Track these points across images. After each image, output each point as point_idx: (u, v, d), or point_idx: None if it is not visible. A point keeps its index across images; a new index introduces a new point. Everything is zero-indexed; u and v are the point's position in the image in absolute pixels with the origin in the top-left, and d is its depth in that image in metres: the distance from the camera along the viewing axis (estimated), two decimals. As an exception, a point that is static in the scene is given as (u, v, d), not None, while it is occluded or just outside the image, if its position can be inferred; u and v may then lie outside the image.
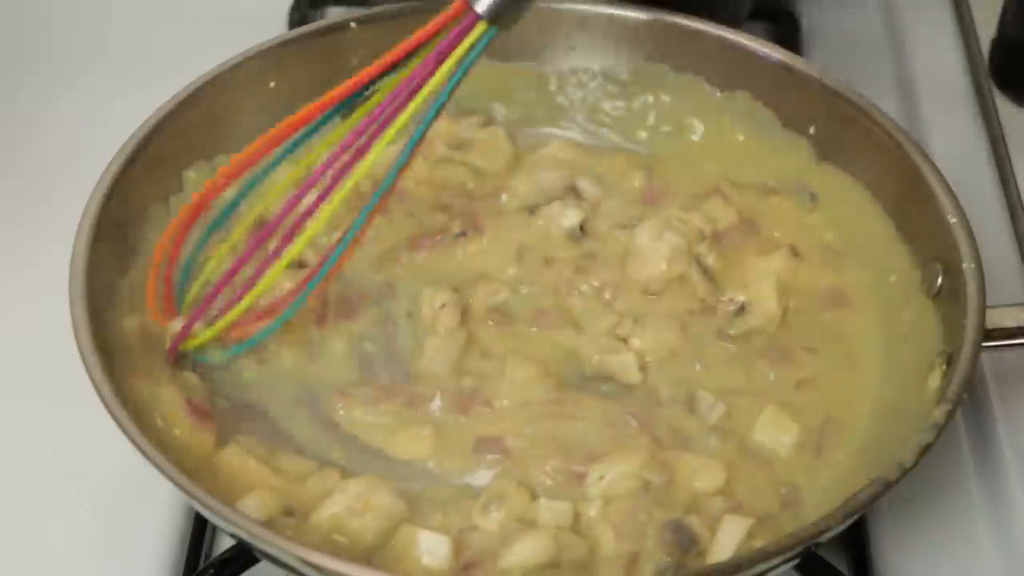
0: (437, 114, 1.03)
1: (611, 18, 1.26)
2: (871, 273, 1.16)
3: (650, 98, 1.27)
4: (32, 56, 1.47)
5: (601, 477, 1.02)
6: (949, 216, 1.09)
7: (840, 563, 1.05)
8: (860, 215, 1.17)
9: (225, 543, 1.08)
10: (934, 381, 1.03)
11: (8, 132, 1.39)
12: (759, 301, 1.14)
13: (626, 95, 1.28)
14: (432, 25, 1.02)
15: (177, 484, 0.93)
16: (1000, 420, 1.15)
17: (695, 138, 1.26)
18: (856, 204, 1.18)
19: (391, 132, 1.02)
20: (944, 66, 1.45)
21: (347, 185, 1.02)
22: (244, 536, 0.93)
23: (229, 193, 1.08)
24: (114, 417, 0.96)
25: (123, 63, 1.45)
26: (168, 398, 1.04)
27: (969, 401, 1.16)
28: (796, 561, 0.97)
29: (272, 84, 1.22)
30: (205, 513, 0.95)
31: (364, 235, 1.05)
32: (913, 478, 0.95)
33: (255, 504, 0.99)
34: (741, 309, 1.13)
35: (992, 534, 1.09)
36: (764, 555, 0.92)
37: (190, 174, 1.17)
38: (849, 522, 0.94)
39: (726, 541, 0.98)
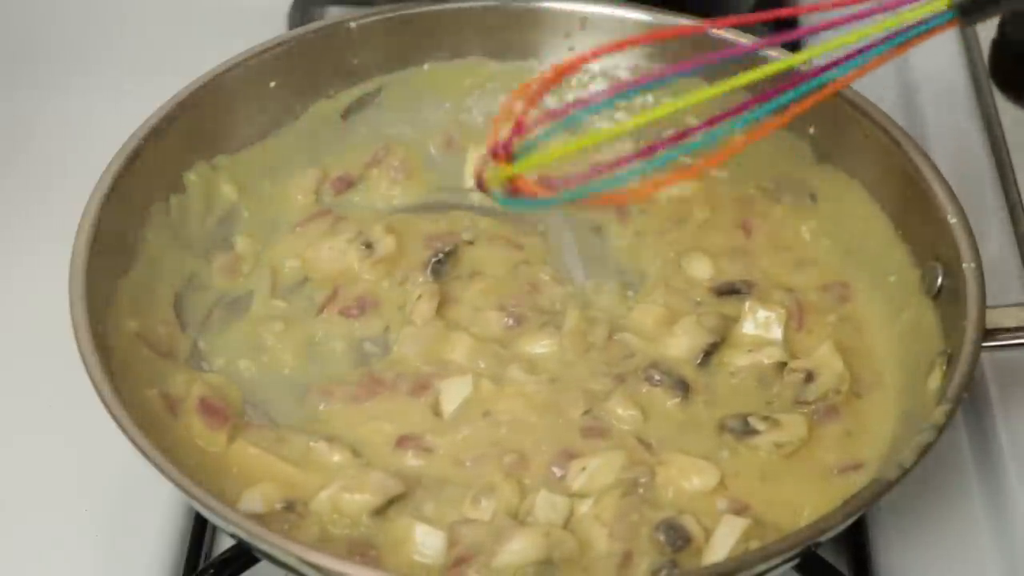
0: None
1: (611, 18, 1.26)
2: (871, 273, 1.16)
3: (650, 98, 1.27)
4: (31, 56, 1.47)
5: (583, 469, 1.02)
6: (949, 216, 1.08)
7: (840, 563, 1.05)
8: (860, 215, 1.17)
9: (225, 543, 1.08)
10: (934, 381, 1.03)
11: (8, 132, 1.39)
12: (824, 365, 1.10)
13: (626, 95, 1.28)
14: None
15: (177, 484, 0.93)
16: (1000, 420, 1.15)
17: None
18: (856, 204, 1.18)
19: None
20: (944, 66, 1.45)
21: None
22: (243, 535, 0.93)
23: None
24: (114, 417, 0.96)
25: (123, 63, 1.45)
26: (183, 401, 1.05)
27: (969, 401, 1.16)
28: (796, 561, 0.97)
29: (272, 84, 1.22)
30: (204, 513, 0.95)
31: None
32: (913, 478, 0.95)
33: (258, 498, 1.00)
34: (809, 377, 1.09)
35: (992, 534, 1.09)
36: (764, 555, 0.92)
37: (190, 175, 1.17)
38: (849, 522, 0.94)
39: (721, 541, 0.98)
